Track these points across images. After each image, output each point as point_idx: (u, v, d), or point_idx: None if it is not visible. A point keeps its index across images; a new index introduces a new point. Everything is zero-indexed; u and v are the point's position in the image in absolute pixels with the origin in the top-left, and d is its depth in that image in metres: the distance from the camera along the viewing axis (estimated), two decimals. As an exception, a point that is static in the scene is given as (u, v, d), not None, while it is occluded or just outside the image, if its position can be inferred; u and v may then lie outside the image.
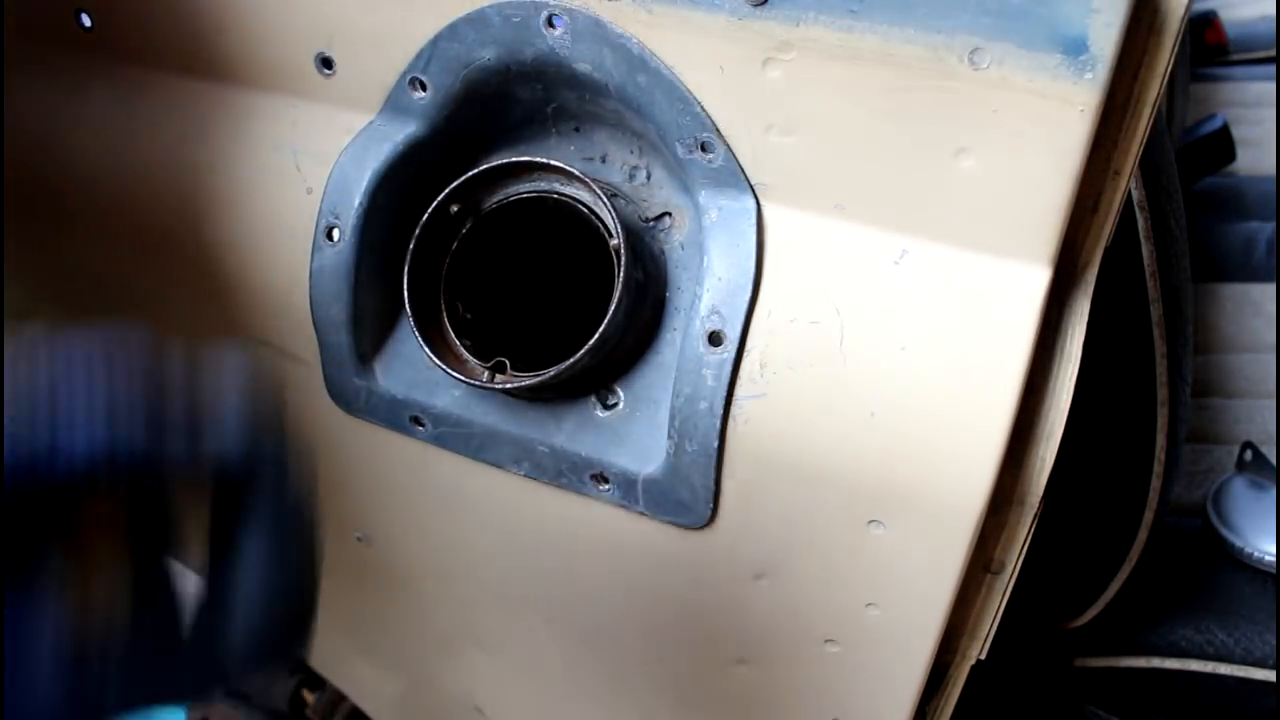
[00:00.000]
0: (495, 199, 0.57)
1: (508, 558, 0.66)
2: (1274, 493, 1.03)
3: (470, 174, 0.55)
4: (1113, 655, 1.00)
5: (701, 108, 0.50)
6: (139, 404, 0.35)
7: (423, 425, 0.61)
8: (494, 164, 0.55)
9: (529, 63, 0.53)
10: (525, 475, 0.59)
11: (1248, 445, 1.09)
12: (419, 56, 0.55)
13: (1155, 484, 0.81)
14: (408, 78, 0.56)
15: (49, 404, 0.33)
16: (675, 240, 0.55)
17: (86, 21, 0.65)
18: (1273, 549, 0.99)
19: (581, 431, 0.57)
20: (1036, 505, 0.52)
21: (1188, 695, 0.98)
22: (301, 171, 0.60)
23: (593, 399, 0.57)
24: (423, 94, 0.56)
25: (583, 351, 0.52)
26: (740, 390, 0.51)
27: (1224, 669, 0.96)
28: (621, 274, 0.51)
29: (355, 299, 0.59)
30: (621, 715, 0.74)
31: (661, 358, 0.55)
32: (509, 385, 0.54)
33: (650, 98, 0.51)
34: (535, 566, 0.66)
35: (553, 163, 0.54)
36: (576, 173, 0.53)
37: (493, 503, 0.63)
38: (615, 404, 0.56)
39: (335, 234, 0.58)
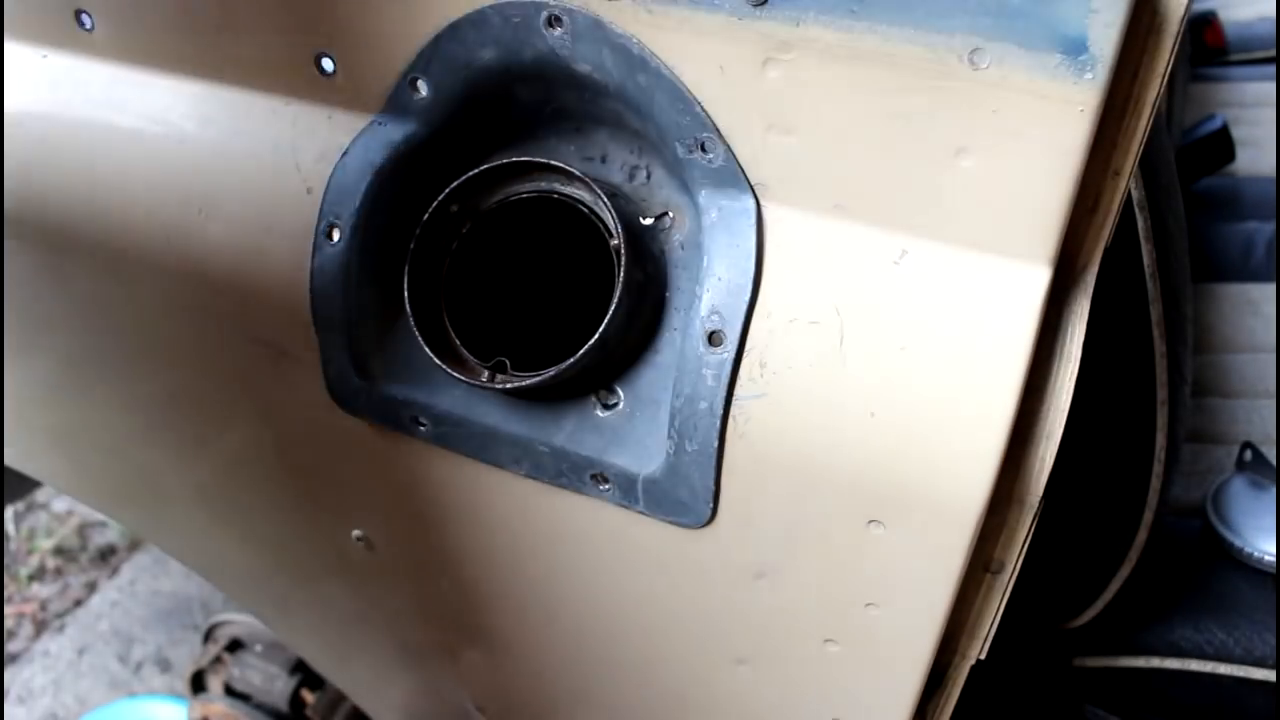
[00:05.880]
0: (495, 199, 0.57)
1: (508, 558, 0.66)
2: (1274, 493, 1.03)
3: (470, 174, 0.55)
4: (1112, 655, 1.00)
5: (701, 108, 0.50)
6: None
7: (423, 425, 0.61)
8: (494, 164, 0.55)
9: (529, 63, 0.53)
10: (525, 475, 0.59)
11: (1248, 445, 1.09)
12: (419, 56, 0.55)
13: (1155, 484, 0.81)
14: (408, 78, 0.56)
15: None
16: (675, 240, 0.55)
17: (86, 22, 0.65)
18: (1273, 549, 0.99)
19: (581, 431, 0.57)
20: (1036, 505, 0.52)
21: (1188, 695, 0.98)
22: (301, 171, 0.60)
23: (593, 399, 0.57)
24: (423, 94, 0.56)
25: (583, 351, 0.52)
26: (740, 390, 0.51)
27: (1224, 669, 0.96)
28: (622, 274, 0.51)
29: (355, 299, 0.59)
30: (621, 715, 0.74)
31: (661, 358, 0.55)
32: (509, 385, 0.54)
33: (650, 98, 0.51)
34: (535, 566, 0.66)
35: (553, 163, 0.54)
36: (577, 173, 0.53)
37: (493, 502, 0.63)
38: (615, 404, 0.56)
39: (335, 234, 0.58)
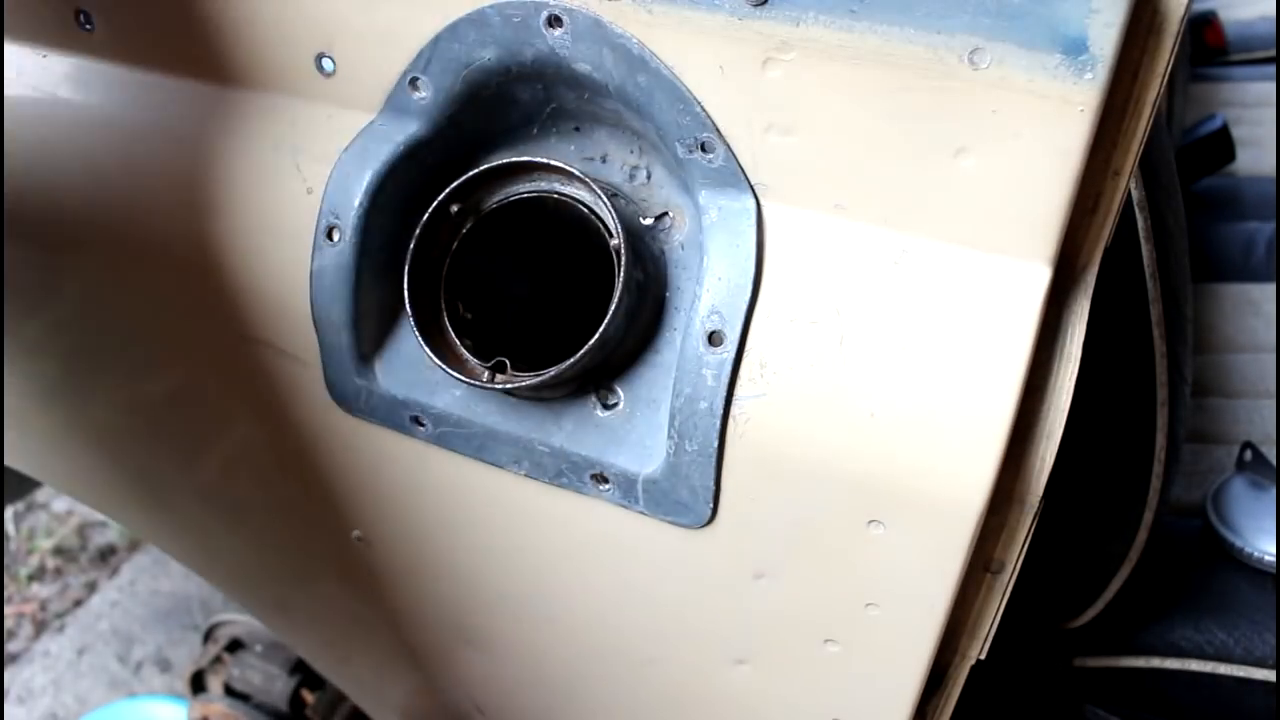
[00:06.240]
0: (495, 199, 0.57)
1: (507, 558, 0.66)
2: (1274, 493, 1.03)
3: (470, 174, 0.55)
4: (1113, 655, 1.00)
5: (701, 108, 0.50)
6: None
7: (423, 425, 0.61)
8: (494, 164, 0.55)
9: (529, 63, 0.53)
10: (525, 475, 0.59)
11: (1248, 445, 1.09)
12: (419, 56, 0.55)
13: (1155, 484, 0.81)
14: (408, 78, 0.56)
15: None
16: (675, 240, 0.55)
17: (87, 21, 0.65)
18: (1273, 549, 0.99)
19: (581, 431, 0.57)
20: (1036, 505, 0.52)
21: (1188, 695, 0.98)
22: (301, 171, 0.60)
23: (593, 399, 0.57)
24: (423, 94, 0.56)
25: (583, 351, 0.52)
26: (740, 390, 0.51)
27: (1224, 669, 0.96)
28: (622, 274, 0.51)
29: (355, 299, 0.59)
30: (621, 715, 0.74)
31: (661, 358, 0.55)
32: (509, 385, 0.54)
33: (650, 98, 0.51)
34: (535, 566, 0.66)
35: (553, 163, 0.54)
36: (576, 173, 0.53)
37: (492, 503, 0.63)
38: (615, 404, 0.56)
39: (335, 234, 0.58)
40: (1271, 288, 1.36)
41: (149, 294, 0.69)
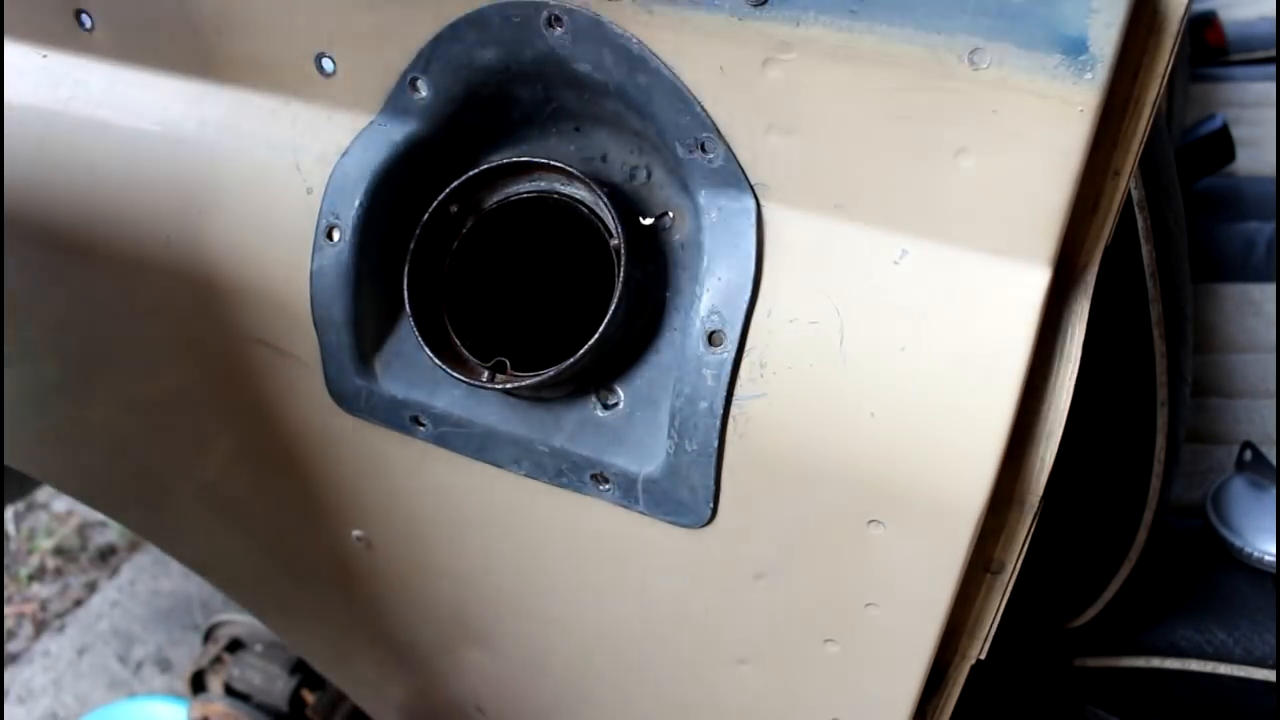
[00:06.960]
0: (495, 199, 0.57)
1: (508, 558, 0.66)
2: (1274, 493, 1.03)
3: (470, 174, 0.55)
4: (1113, 655, 1.00)
5: (701, 108, 0.50)
6: None
7: (423, 425, 0.61)
8: (494, 164, 0.55)
9: (529, 63, 0.53)
10: (525, 475, 0.59)
11: (1248, 445, 1.09)
12: (419, 56, 0.55)
13: (1155, 484, 0.81)
14: (408, 78, 0.56)
15: None
16: (675, 240, 0.55)
17: (87, 21, 0.65)
18: (1273, 549, 0.99)
19: (581, 431, 0.57)
20: (1036, 505, 0.52)
21: (1188, 695, 0.98)
22: (301, 171, 0.60)
23: (593, 399, 0.57)
24: (423, 94, 0.56)
25: (583, 351, 0.52)
26: (740, 390, 0.52)
27: (1224, 669, 0.96)
28: (622, 274, 0.51)
29: (355, 299, 0.59)
30: (621, 715, 0.74)
31: (661, 358, 0.55)
32: (509, 385, 0.54)
33: (650, 98, 0.51)
34: (535, 566, 0.66)
35: (553, 162, 0.54)
36: (576, 172, 0.53)
37: (493, 503, 0.63)
38: (615, 404, 0.56)
39: (335, 234, 0.58)
40: (1271, 288, 1.36)
41: (148, 294, 0.69)
